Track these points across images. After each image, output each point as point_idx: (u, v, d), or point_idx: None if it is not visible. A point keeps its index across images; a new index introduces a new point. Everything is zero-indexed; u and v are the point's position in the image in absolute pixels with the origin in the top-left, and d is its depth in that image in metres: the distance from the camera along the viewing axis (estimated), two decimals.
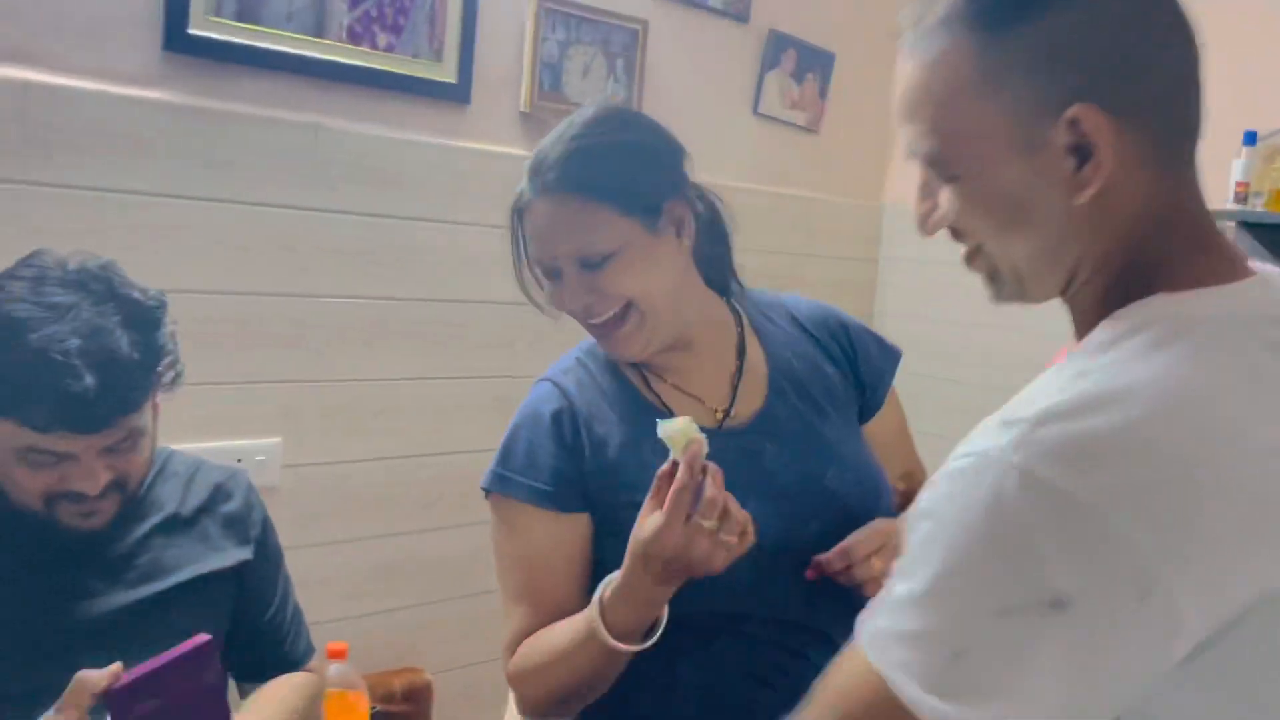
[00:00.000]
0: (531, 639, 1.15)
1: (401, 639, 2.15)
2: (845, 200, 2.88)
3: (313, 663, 1.47)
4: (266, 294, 1.89)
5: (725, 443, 1.10)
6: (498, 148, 2.14)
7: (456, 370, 2.16)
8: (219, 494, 1.38)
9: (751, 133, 2.63)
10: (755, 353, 1.25)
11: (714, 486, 0.99)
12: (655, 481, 1.02)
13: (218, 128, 1.79)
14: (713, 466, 1.00)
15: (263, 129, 1.84)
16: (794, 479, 1.15)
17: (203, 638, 1.08)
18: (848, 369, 1.27)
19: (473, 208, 2.11)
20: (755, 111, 2.62)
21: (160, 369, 1.21)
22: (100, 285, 1.19)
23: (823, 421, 1.21)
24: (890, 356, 1.31)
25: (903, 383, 1.34)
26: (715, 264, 1.26)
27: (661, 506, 0.99)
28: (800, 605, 1.13)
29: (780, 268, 2.66)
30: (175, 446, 1.41)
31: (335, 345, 1.99)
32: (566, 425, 1.17)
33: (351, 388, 2.03)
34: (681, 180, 1.19)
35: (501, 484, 1.18)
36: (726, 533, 0.99)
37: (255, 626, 1.38)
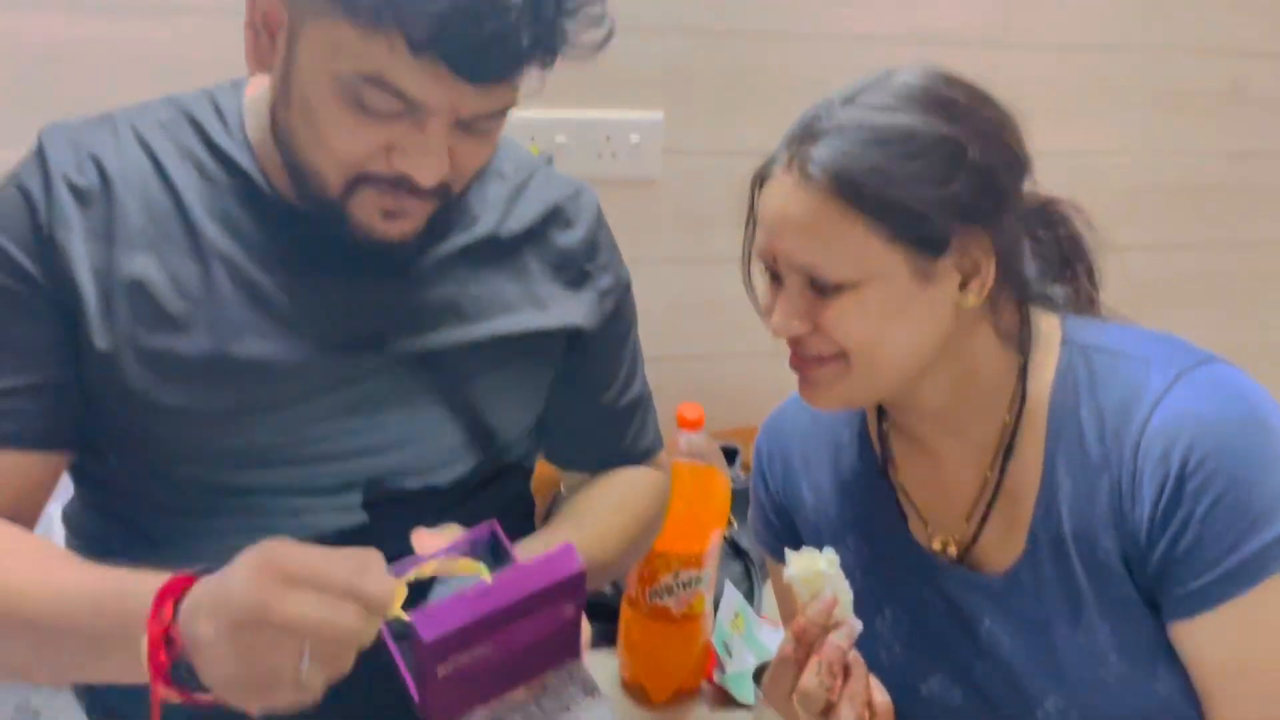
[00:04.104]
0: None
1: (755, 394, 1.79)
2: None
3: (660, 457, 1.10)
4: None
5: (940, 582, 0.91)
6: None
7: None
8: (556, 218, 0.97)
9: None
10: (1027, 468, 0.87)
11: (827, 673, 0.78)
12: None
13: None
14: (847, 625, 0.80)
15: None
16: (1000, 691, 0.89)
17: (566, 558, 0.69)
18: (1150, 543, 0.82)
19: None
20: None
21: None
22: None
23: (1074, 620, 0.86)
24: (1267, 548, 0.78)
25: None
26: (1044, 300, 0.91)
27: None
28: None
29: None
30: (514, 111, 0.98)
31: None
32: (773, 478, 1.06)
33: (743, 51, 1.54)
34: (1004, 194, 0.83)
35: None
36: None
37: (585, 413, 1.01)
